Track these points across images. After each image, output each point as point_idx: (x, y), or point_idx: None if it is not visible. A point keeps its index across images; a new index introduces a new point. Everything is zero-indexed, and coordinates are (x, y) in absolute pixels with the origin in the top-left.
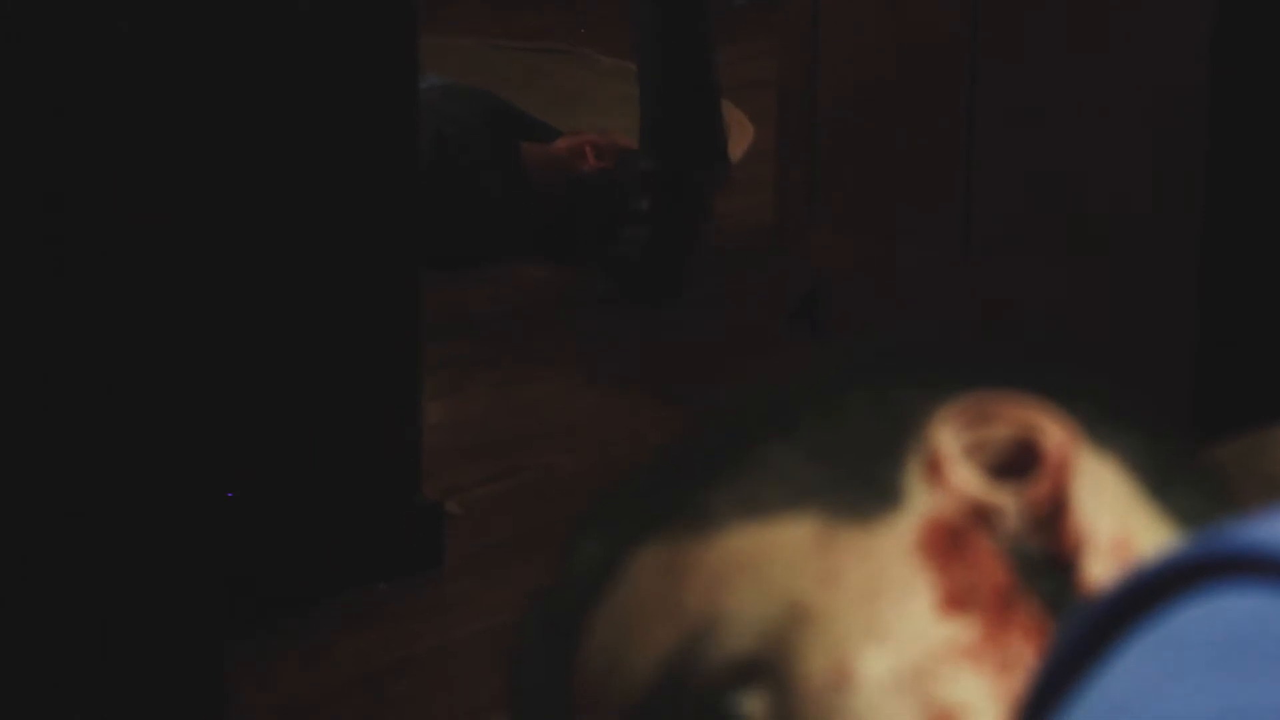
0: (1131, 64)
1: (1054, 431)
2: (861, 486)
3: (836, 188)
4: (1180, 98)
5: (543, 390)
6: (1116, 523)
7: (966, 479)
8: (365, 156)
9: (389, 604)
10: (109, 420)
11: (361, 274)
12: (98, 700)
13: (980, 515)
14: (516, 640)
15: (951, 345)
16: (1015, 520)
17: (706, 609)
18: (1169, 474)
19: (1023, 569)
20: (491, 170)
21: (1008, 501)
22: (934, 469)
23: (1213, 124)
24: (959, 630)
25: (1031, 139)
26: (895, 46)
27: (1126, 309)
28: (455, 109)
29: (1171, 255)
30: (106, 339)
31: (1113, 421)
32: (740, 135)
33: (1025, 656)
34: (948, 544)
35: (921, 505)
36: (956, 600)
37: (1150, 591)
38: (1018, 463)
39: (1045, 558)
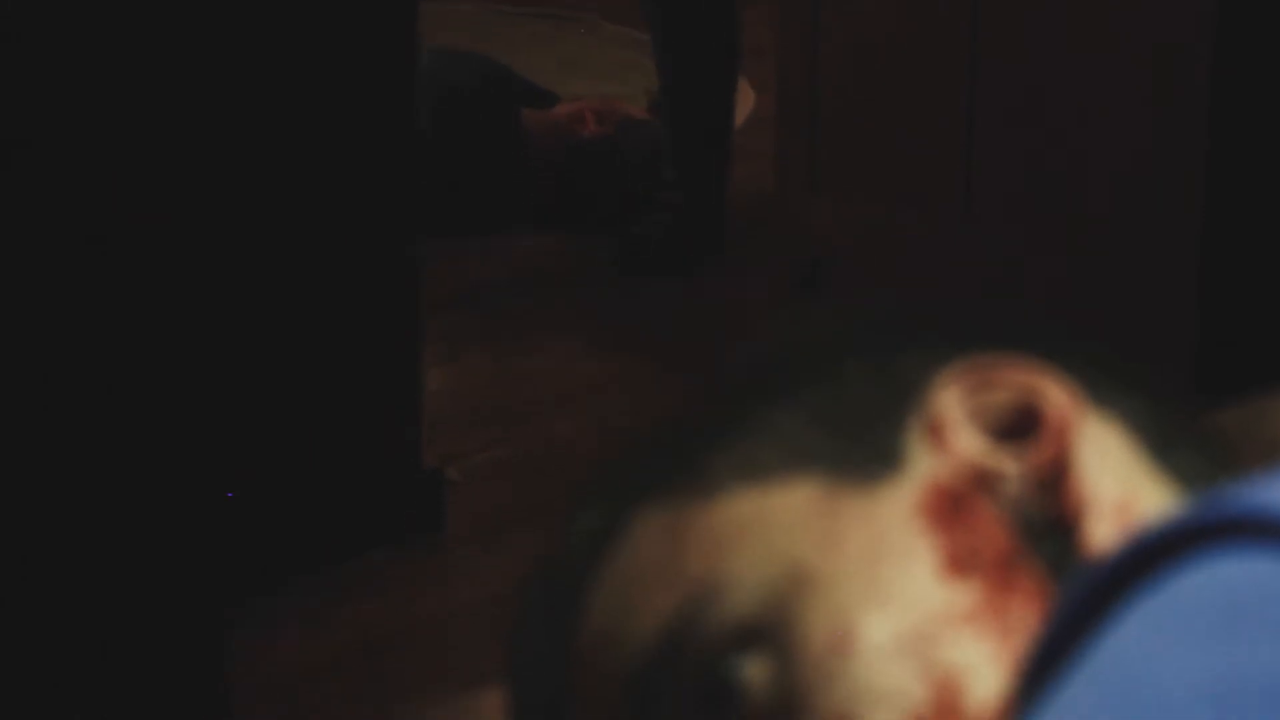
0: (1133, 17)
1: (1055, 394)
2: (863, 451)
3: (837, 156)
4: (1180, 42)
5: (543, 358)
6: (1119, 486)
7: (968, 443)
8: (365, 125)
9: (389, 571)
10: (110, 389)
11: (362, 243)
12: (97, 668)
13: (982, 479)
14: (517, 606)
15: (952, 309)
16: (1017, 484)
17: (707, 574)
18: (1171, 437)
19: (1024, 532)
20: (491, 137)
21: (1009, 465)
22: (935, 433)
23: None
24: (961, 594)
25: (1033, 107)
26: (896, 14)
27: (1128, 276)
28: (455, 75)
29: (1174, 220)
30: (106, 310)
31: (1114, 385)
32: (740, 103)
33: (1027, 620)
34: (949, 508)
35: (923, 469)
36: (958, 564)
37: (1152, 555)
38: (1019, 426)
39: (1047, 521)
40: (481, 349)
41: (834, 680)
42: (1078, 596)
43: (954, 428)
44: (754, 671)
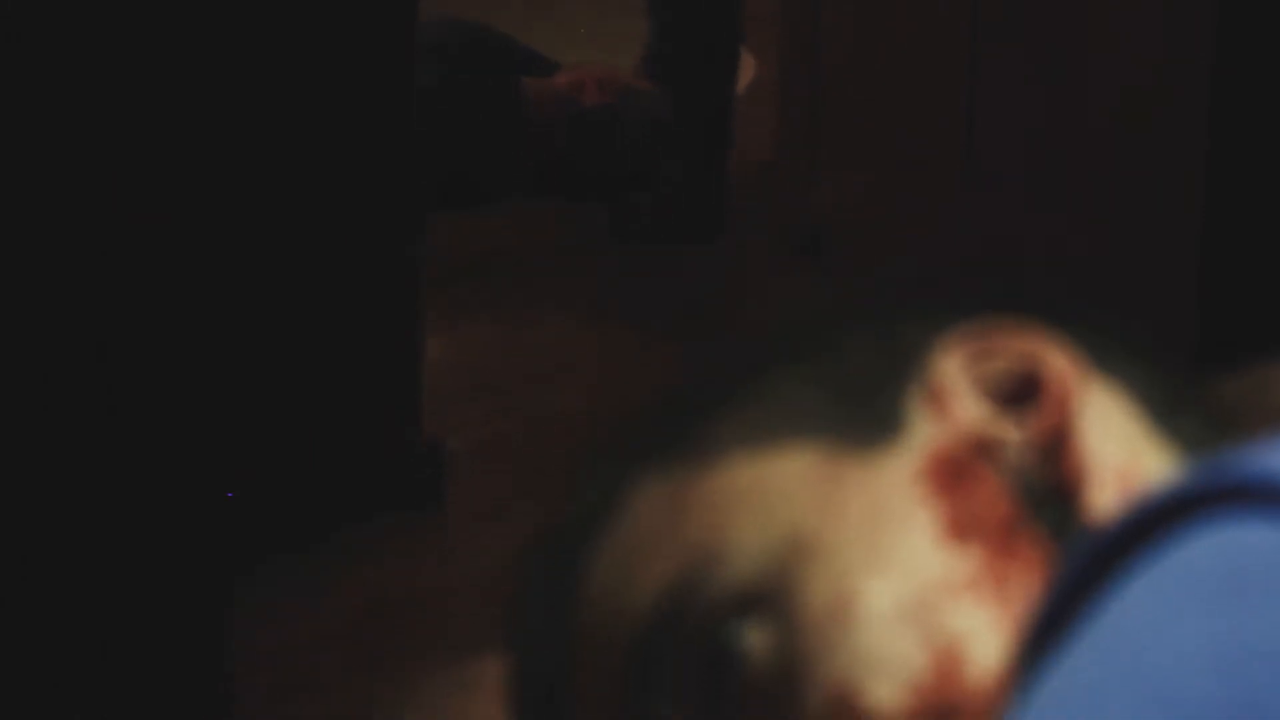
0: None
1: (1057, 361)
2: (864, 418)
3: (839, 125)
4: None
5: (544, 328)
6: (1120, 452)
7: (969, 409)
8: (365, 95)
9: (390, 542)
10: (109, 360)
11: (362, 215)
12: (98, 637)
13: (983, 446)
14: (518, 575)
15: (954, 277)
16: (1018, 450)
17: (708, 541)
18: (1172, 404)
19: (1026, 499)
20: (492, 106)
21: (1011, 432)
22: (937, 400)
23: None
24: (962, 561)
25: (1035, 75)
26: None
27: (1130, 245)
28: (456, 43)
29: (1175, 181)
30: (106, 277)
31: (1116, 351)
32: (742, 71)
33: (1028, 587)
34: (950, 475)
35: (924, 436)
36: (959, 531)
37: (1154, 521)
38: (1021, 393)
39: (1048, 488)
40: (481, 320)
41: (834, 647)
42: (1079, 563)
43: (955, 395)
44: (755, 638)
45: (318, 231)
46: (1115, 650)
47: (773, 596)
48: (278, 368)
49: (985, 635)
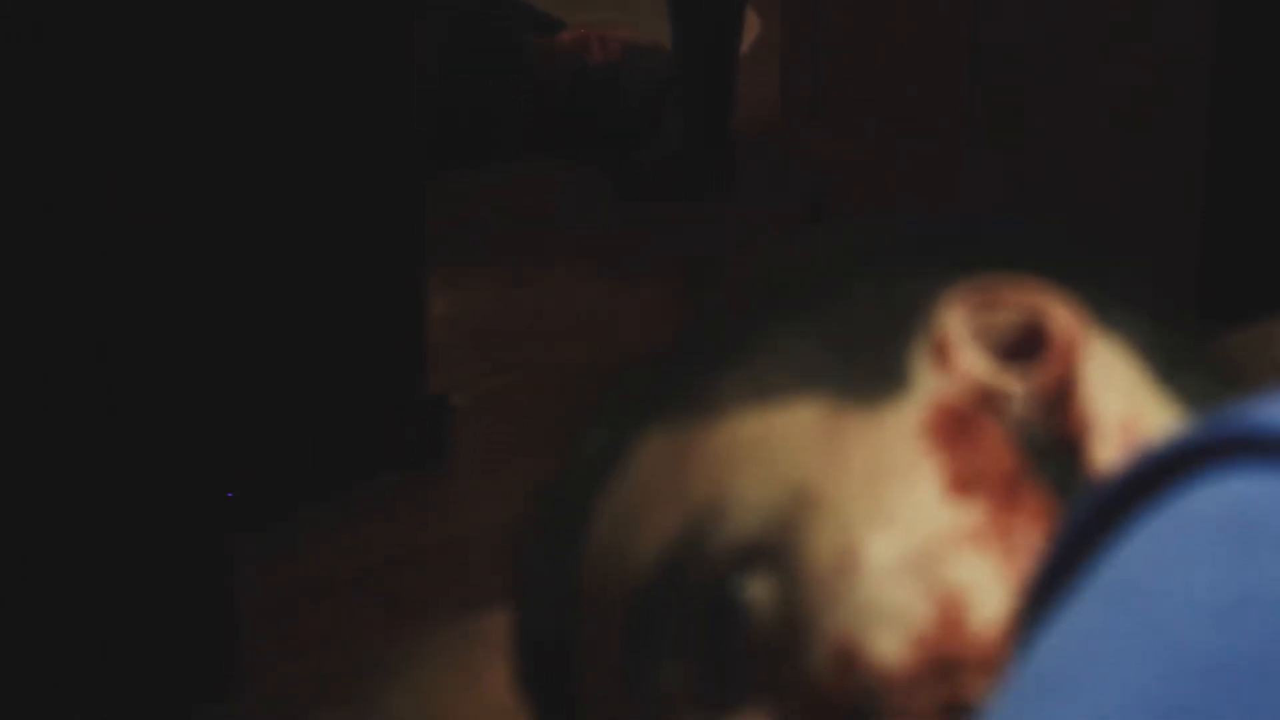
0: None
1: (1061, 314)
2: (868, 371)
3: (841, 83)
4: None
5: (549, 284)
6: (1124, 406)
7: (973, 362)
8: (369, 53)
9: (395, 498)
10: (116, 315)
11: (367, 169)
12: (101, 598)
13: (987, 399)
14: (521, 528)
15: (957, 229)
16: (1022, 403)
17: (711, 494)
18: (1176, 358)
19: (1030, 452)
20: (497, 64)
21: (1015, 385)
22: (941, 353)
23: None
24: (966, 514)
25: (1037, 33)
26: None
27: (1132, 200)
28: (462, 2)
29: (1178, 140)
30: (111, 242)
31: (1120, 305)
32: (746, 29)
33: (1032, 540)
34: (954, 428)
35: (928, 389)
36: (963, 484)
37: (1158, 473)
38: (1025, 346)
39: (1052, 441)
40: (485, 276)
41: (838, 600)
42: (1083, 515)
43: (959, 347)
44: (758, 591)
45: (320, 189)
46: (1119, 600)
47: (776, 550)
48: (281, 326)
49: (989, 588)
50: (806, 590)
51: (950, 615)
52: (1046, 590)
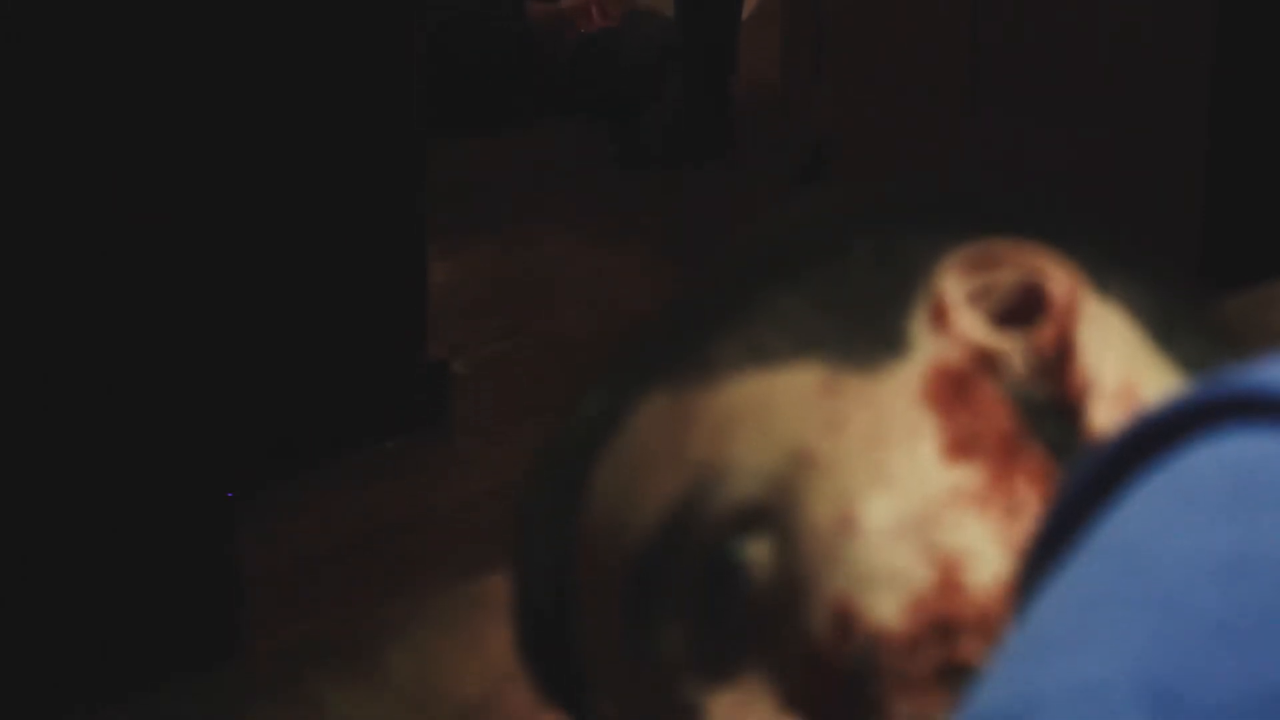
0: None
1: (1060, 277)
2: (866, 334)
3: (843, 46)
4: None
5: (549, 250)
6: (1122, 368)
7: (971, 325)
8: (370, 18)
9: (395, 462)
10: (120, 282)
11: (368, 135)
12: (105, 562)
13: (985, 361)
14: (521, 491)
15: (956, 192)
16: (1021, 366)
17: (711, 457)
18: (1175, 321)
19: (1028, 415)
20: (497, 29)
21: (1013, 347)
22: (939, 316)
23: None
24: (964, 476)
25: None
26: None
27: (1134, 163)
28: None
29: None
30: (117, 203)
31: (1119, 268)
32: None
33: (1031, 502)
34: (953, 390)
35: (926, 352)
36: (961, 446)
37: (1157, 435)
38: (1023, 309)
39: (1051, 403)
40: (486, 242)
41: (836, 562)
42: (1083, 478)
43: (957, 310)
44: (757, 554)
45: (322, 155)
46: (1118, 561)
47: (775, 513)
48: (283, 292)
49: (987, 550)
50: (805, 553)
51: (949, 577)
52: (1045, 552)
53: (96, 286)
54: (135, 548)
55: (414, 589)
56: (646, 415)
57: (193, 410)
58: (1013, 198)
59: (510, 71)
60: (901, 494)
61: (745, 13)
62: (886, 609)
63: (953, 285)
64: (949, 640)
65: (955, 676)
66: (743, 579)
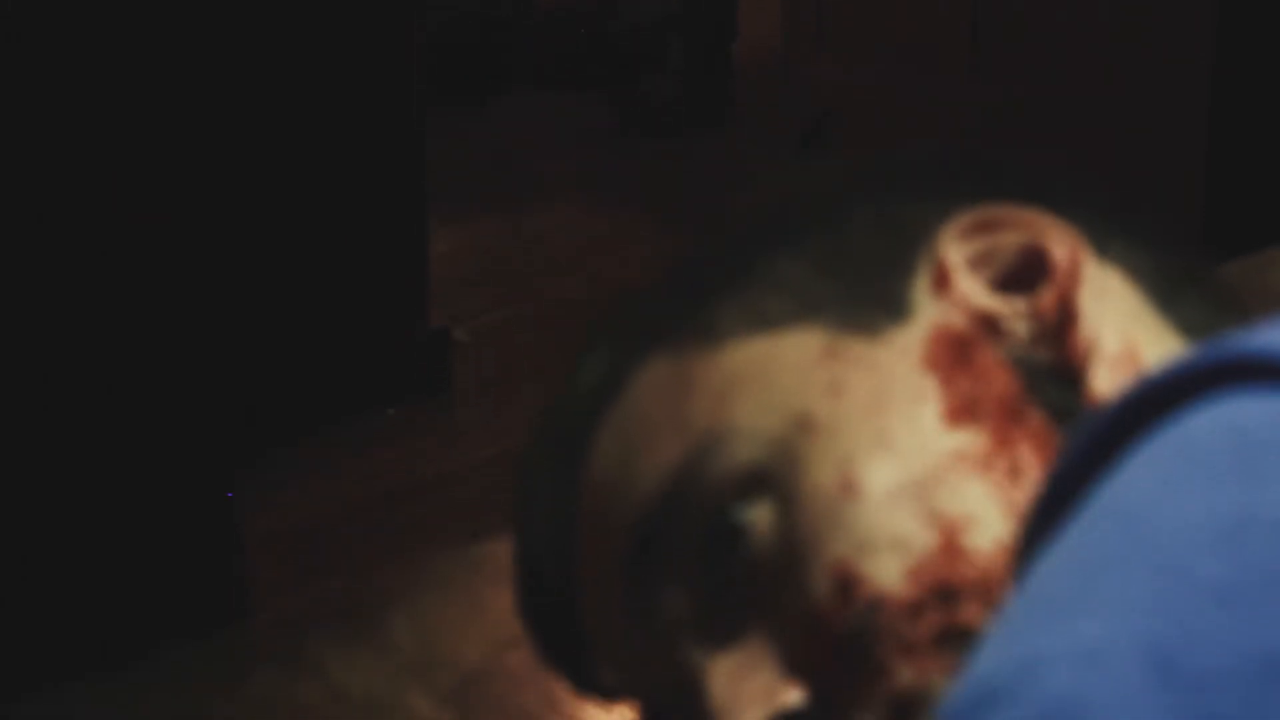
0: None
1: (1061, 241)
2: (868, 298)
3: (845, 13)
4: None
5: (550, 218)
6: (1124, 333)
7: (973, 290)
8: None
9: (397, 429)
10: (125, 252)
11: (366, 107)
12: (110, 531)
13: (987, 326)
14: (522, 455)
15: (957, 157)
16: (1022, 330)
17: (712, 422)
18: (1176, 286)
19: (1030, 379)
20: None
21: (1014, 311)
22: (940, 280)
23: None
24: (965, 441)
25: None
26: None
27: (1136, 130)
28: None
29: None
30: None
31: (1120, 234)
32: None
33: (1032, 466)
34: (954, 355)
35: (928, 317)
36: (963, 411)
37: (1158, 399)
38: (1025, 274)
39: (1052, 368)
40: (487, 210)
41: (838, 526)
42: (1084, 441)
43: (959, 275)
44: (758, 518)
45: (324, 125)
46: (1120, 524)
47: (776, 476)
48: (286, 260)
49: (988, 515)
50: (806, 517)
51: (950, 541)
52: (1047, 516)
53: (101, 254)
54: (138, 514)
55: (415, 554)
56: (648, 380)
57: (196, 378)
58: (1013, 162)
59: (510, 38)
60: (903, 458)
61: None
62: (888, 573)
63: (954, 250)
64: (950, 604)
65: (956, 640)
66: (744, 543)
